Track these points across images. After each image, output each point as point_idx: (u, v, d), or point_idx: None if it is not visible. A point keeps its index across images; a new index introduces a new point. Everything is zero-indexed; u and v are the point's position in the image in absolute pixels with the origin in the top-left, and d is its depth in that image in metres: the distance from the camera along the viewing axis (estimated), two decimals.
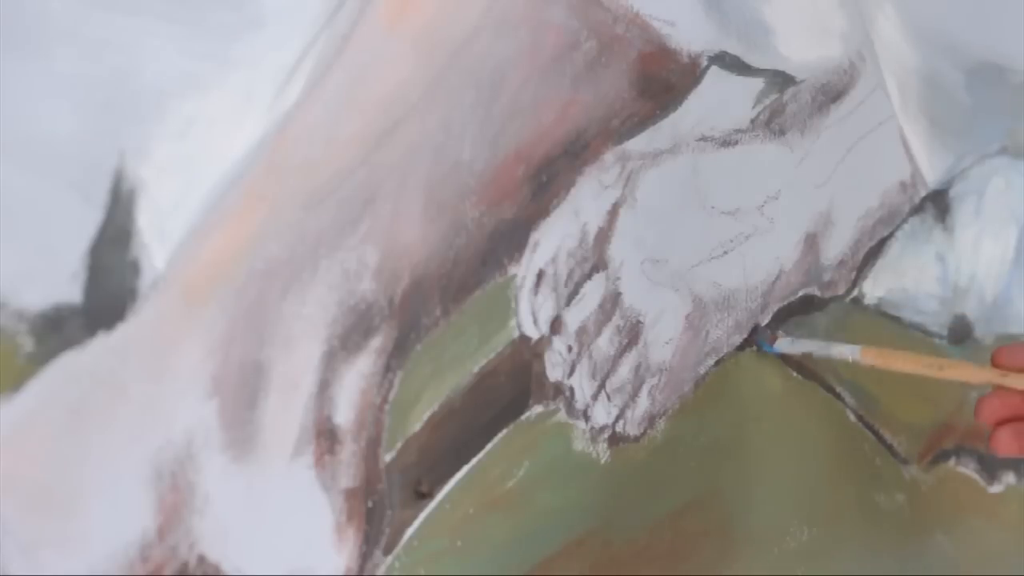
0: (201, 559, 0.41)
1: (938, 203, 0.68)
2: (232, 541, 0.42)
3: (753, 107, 0.58)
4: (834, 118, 0.62)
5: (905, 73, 0.65)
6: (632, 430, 0.55)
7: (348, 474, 0.45)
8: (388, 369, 0.46)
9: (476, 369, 0.49)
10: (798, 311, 0.62)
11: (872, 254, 0.65)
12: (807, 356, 0.61)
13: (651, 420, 0.56)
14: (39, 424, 0.37)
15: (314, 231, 0.43)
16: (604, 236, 0.52)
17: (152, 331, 0.40)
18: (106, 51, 0.38)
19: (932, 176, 0.67)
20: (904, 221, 0.66)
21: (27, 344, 0.37)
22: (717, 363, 0.58)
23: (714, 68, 0.55)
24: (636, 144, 0.53)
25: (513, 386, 0.50)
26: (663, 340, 0.55)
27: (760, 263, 0.59)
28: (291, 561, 0.44)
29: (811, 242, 0.61)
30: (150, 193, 0.39)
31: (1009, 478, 0.72)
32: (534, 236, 0.50)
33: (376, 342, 0.45)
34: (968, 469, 0.71)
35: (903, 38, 0.64)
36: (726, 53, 0.56)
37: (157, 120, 0.39)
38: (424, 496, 0.47)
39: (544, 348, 0.51)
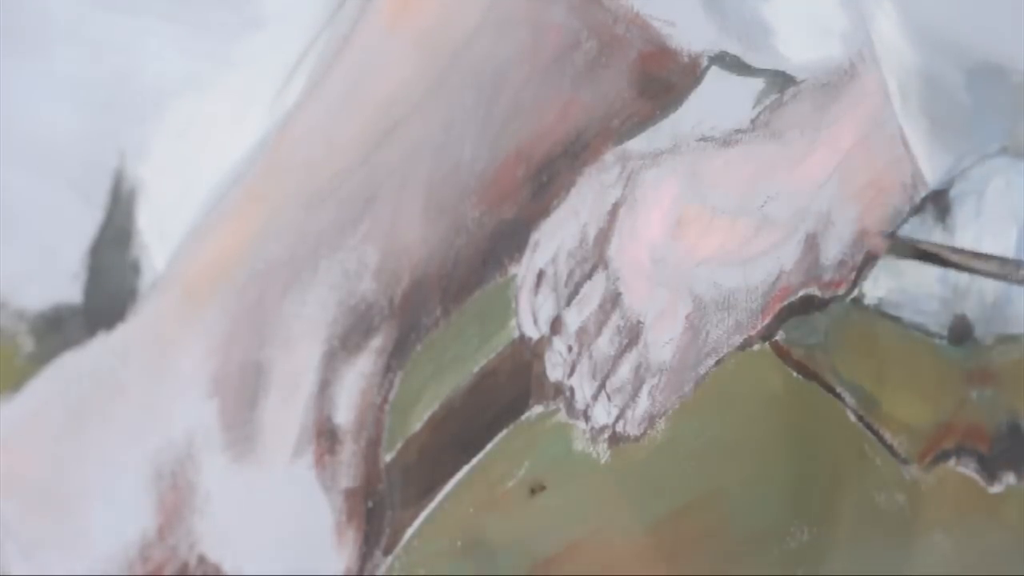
0: (201, 559, 0.41)
1: (938, 203, 0.68)
2: (232, 541, 0.42)
3: (753, 107, 0.58)
4: (834, 118, 0.61)
5: (905, 73, 0.64)
6: (632, 430, 0.55)
7: (348, 474, 0.45)
8: (388, 369, 0.46)
9: (476, 369, 0.49)
10: (798, 311, 0.62)
11: (872, 254, 0.65)
12: (812, 352, 0.61)
13: (651, 420, 0.56)
14: (39, 424, 0.37)
15: (314, 231, 0.43)
16: (604, 236, 0.52)
17: (152, 331, 0.39)
18: (106, 51, 0.38)
19: (932, 176, 0.67)
20: (904, 221, 0.66)
21: (27, 344, 0.37)
22: (717, 363, 0.58)
23: (714, 68, 0.55)
24: (636, 144, 0.53)
25: (513, 386, 0.50)
26: (663, 340, 0.55)
27: (760, 263, 0.59)
28: (291, 561, 0.44)
29: (811, 242, 0.61)
30: (150, 193, 0.39)
31: (1009, 478, 0.72)
32: (534, 236, 0.50)
33: (376, 342, 0.45)
34: (968, 469, 0.71)
35: (903, 38, 0.64)
36: (726, 53, 0.56)
37: (157, 120, 0.39)
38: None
39: (544, 348, 0.51)
